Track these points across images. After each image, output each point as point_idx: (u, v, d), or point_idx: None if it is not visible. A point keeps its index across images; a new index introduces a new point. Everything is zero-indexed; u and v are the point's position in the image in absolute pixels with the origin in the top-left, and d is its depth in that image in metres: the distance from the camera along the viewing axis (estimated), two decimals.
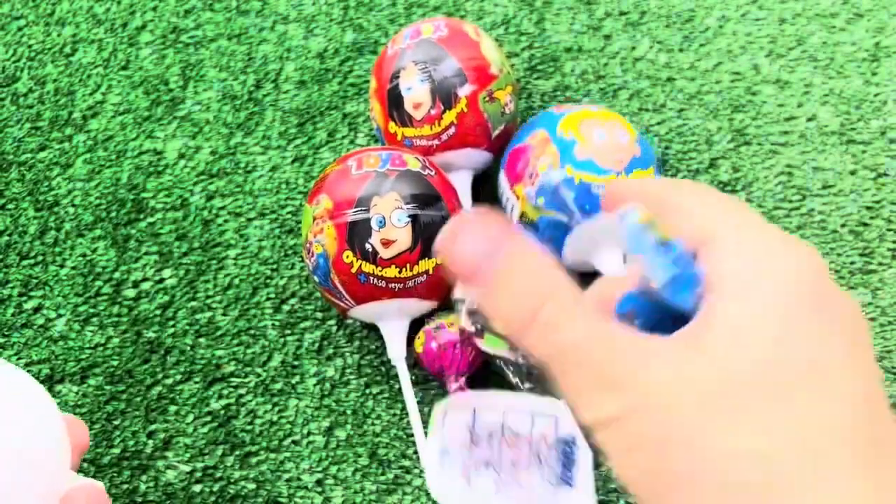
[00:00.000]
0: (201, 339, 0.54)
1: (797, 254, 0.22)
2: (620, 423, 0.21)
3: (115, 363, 0.53)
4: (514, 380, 0.49)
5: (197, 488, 0.49)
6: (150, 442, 0.51)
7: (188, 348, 0.54)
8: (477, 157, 0.54)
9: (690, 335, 0.21)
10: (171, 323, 0.54)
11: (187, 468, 0.50)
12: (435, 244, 0.22)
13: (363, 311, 0.49)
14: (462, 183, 0.54)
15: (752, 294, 0.21)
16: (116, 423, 0.51)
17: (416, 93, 0.52)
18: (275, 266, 0.56)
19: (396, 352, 0.50)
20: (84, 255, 0.57)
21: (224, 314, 0.55)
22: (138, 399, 0.52)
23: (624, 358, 0.21)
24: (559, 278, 0.22)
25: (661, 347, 0.21)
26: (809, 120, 0.60)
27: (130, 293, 0.56)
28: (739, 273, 0.21)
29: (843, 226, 0.56)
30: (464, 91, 0.52)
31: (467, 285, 0.22)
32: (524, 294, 0.22)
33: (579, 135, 0.49)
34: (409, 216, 0.47)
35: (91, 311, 0.55)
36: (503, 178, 0.52)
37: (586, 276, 0.49)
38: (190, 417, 0.51)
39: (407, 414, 0.51)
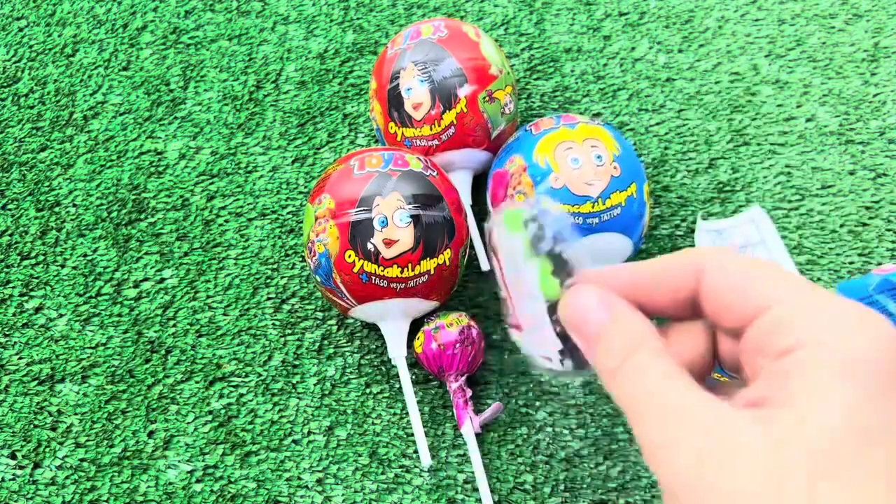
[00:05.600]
0: (202, 339, 0.54)
1: (872, 325, 0.21)
2: (695, 488, 0.21)
3: (115, 363, 0.53)
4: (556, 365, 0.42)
5: (197, 487, 0.49)
6: (151, 441, 0.51)
7: (189, 348, 0.54)
8: (477, 157, 0.54)
9: (771, 404, 0.21)
10: (172, 323, 0.55)
11: (188, 467, 0.50)
12: (564, 307, 0.27)
13: (365, 311, 0.49)
14: (462, 183, 0.54)
15: (831, 370, 0.21)
16: (117, 422, 0.52)
17: (416, 93, 0.52)
18: (275, 266, 0.56)
19: (397, 351, 0.50)
20: (85, 255, 0.57)
21: (224, 314, 0.55)
22: (139, 398, 0.52)
23: (702, 420, 0.21)
24: (653, 336, 0.24)
25: (740, 415, 0.21)
26: (808, 120, 0.60)
27: (131, 293, 0.56)
28: (816, 347, 0.21)
29: (841, 226, 0.56)
30: (463, 91, 0.52)
31: (580, 335, 0.26)
32: (620, 340, 0.24)
33: (554, 162, 0.48)
34: (411, 216, 0.47)
35: (92, 310, 0.55)
36: (489, 200, 0.53)
37: None
38: (190, 417, 0.51)
39: (407, 413, 0.51)
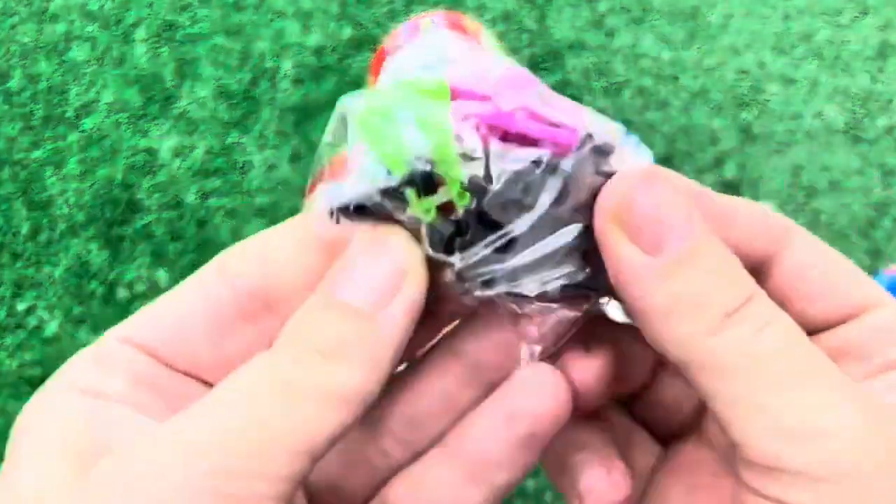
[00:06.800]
0: None
1: None
2: (813, 484, 0.15)
3: None
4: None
5: None
6: None
7: None
8: None
9: None
10: None
11: None
12: (606, 194, 0.16)
13: None
14: None
15: None
16: None
17: None
18: None
19: None
20: (78, 256, 0.56)
21: None
22: None
23: (871, 399, 0.15)
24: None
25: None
26: (815, 117, 0.59)
27: (124, 294, 0.55)
28: None
29: (850, 225, 0.55)
30: None
31: (648, 243, 0.16)
32: (731, 275, 0.15)
33: None
34: None
35: (84, 312, 0.54)
36: None
37: None
38: None
39: None
